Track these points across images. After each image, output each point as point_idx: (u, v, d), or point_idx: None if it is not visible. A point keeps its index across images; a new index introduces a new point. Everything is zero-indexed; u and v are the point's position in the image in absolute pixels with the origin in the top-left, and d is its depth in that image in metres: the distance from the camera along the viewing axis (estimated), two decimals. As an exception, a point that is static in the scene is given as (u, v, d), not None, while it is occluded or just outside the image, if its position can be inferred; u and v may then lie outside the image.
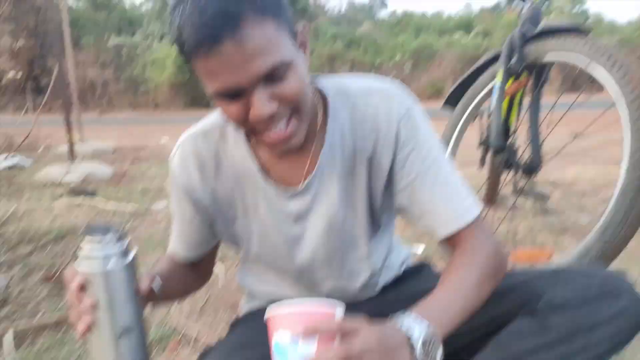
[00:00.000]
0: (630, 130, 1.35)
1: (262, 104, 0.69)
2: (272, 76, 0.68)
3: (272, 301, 0.88)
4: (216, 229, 0.95)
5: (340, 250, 0.91)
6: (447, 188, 0.82)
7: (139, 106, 15.92)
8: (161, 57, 15.86)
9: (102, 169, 4.26)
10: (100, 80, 15.79)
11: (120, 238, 0.71)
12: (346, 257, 0.92)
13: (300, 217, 0.88)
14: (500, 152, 1.89)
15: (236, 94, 0.69)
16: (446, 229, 0.82)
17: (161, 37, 18.24)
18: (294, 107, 0.73)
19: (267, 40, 0.66)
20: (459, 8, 36.29)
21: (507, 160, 1.89)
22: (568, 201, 2.79)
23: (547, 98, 2.06)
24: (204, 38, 0.64)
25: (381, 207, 0.89)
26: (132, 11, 22.57)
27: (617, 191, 1.35)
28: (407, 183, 0.83)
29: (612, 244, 1.35)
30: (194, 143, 0.89)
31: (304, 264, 0.91)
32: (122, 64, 16.89)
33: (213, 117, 0.90)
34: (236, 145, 0.87)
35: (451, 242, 0.83)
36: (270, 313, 0.65)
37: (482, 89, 2.28)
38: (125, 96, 16.28)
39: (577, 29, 1.83)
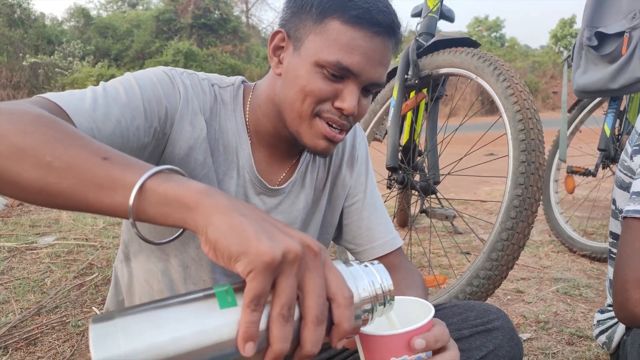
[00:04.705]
0: (512, 146, 1.26)
1: (355, 99, 0.72)
2: (368, 89, 0.74)
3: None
4: (164, 155, 0.74)
5: None
6: (384, 216, 0.92)
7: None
8: (82, 77, 15.06)
9: (-5, 201, 3.79)
10: (13, 101, 14.74)
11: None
12: None
13: None
14: (395, 172, 1.77)
15: (341, 77, 0.71)
16: (382, 250, 0.90)
17: (82, 57, 17.41)
18: (353, 123, 0.76)
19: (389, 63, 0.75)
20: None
21: (403, 181, 1.76)
22: (478, 220, 2.75)
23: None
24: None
25: (331, 224, 0.92)
26: (52, 29, 21.45)
27: (501, 212, 1.24)
28: (353, 202, 0.91)
29: (498, 265, 1.24)
30: (199, 83, 0.77)
31: None
32: (39, 85, 15.88)
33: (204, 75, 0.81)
34: (234, 115, 0.80)
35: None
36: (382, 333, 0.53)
37: (382, 106, 2.19)
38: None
39: (468, 41, 1.77)
